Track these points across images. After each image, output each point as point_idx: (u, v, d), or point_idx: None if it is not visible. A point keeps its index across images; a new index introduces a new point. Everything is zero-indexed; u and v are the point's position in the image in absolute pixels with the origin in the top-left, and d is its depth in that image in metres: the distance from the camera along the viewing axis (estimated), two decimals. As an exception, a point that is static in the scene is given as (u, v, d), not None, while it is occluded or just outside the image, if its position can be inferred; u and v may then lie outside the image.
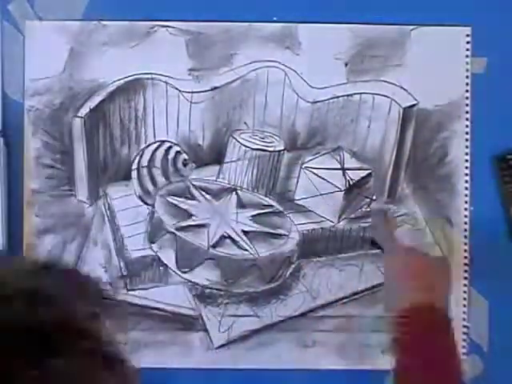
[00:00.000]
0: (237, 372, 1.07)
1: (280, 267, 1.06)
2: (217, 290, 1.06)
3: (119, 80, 1.06)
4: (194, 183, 1.08)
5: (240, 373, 1.07)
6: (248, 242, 1.05)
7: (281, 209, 1.08)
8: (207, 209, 1.07)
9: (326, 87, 1.07)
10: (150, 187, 1.08)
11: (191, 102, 1.07)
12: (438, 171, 1.08)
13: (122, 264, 1.07)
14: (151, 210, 1.06)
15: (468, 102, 1.07)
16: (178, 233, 1.04)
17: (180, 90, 1.06)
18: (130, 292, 1.07)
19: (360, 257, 1.09)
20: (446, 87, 1.07)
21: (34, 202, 1.06)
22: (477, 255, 1.07)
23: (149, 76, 1.06)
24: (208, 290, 1.06)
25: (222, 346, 1.07)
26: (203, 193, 1.08)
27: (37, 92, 1.06)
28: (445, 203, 1.08)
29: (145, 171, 1.08)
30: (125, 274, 1.07)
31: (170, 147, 1.08)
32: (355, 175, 1.07)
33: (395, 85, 1.07)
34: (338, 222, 1.08)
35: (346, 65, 1.07)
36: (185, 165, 1.08)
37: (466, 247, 1.08)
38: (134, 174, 1.08)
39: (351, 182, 1.07)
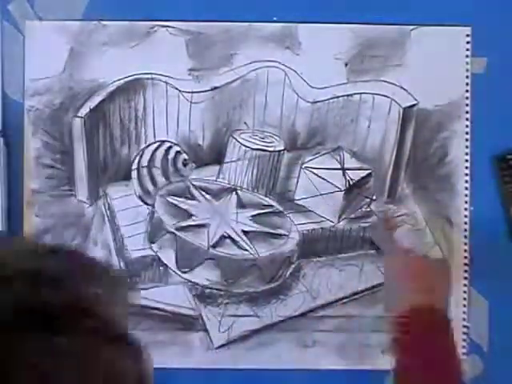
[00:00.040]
0: (237, 372, 1.07)
1: (280, 267, 1.06)
2: (217, 289, 1.06)
3: (119, 80, 1.06)
4: (194, 183, 1.08)
5: (240, 373, 1.07)
6: (248, 241, 1.05)
7: (281, 209, 1.08)
8: (207, 209, 1.07)
9: (325, 87, 1.07)
10: (150, 187, 1.08)
11: (191, 102, 1.07)
12: (437, 171, 1.08)
13: (122, 264, 1.07)
14: (151, 209, 1.06)
15: (468, 102, 1.07)
16: (177, 233, 1.04)
17: (180, 90, 1.06)
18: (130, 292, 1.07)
19: (360, 257, 1.09)
20: (446, 87, 1.07)
21: (34, 202, 1.06)
22: (477, 255, 1.07)
23: (149, 76, 1.06)
24: (208, 290, 1.06)
25: (222, 345, 1.07)
26: (203, 193, 1.08)
27: (37, 92, 1.06)
28: (445, 203, 1.08)
29: (145, 171, 1.08)
30: (125, 274, 1.07)
31: (169, 147, 1.08)
32: (355, 175, 1.07)
33: (395, 85, 1.07)
34: (338, 221, 1.08)
35: (346, 65, 1.07)
36: (185, 165, 1.08)
37: (466, 247, 1.08)
38: (134, 174, 1.08)
39: (351, 182, 1.07)
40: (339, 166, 1.07)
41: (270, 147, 1.08)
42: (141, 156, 1.08)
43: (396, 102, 1.07)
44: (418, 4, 1.07)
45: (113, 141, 1.07)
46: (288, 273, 1.08)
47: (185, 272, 1.05)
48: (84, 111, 1.06)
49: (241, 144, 1.07)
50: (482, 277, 1.07)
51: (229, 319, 1.07)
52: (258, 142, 1.08)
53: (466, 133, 1.08)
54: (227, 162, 1.08)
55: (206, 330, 1.07)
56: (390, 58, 1.07)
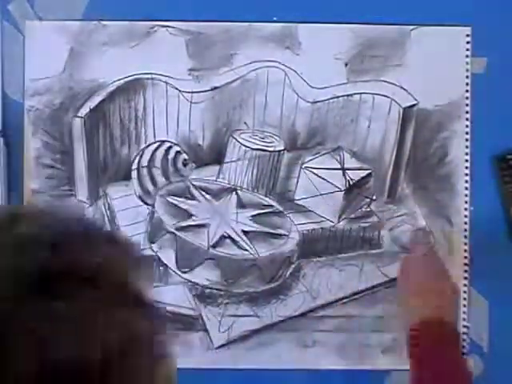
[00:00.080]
0: (237, 372, 1.07)
1: (280, 267, 1.06)
2: (217, 289, 1.06)
3: (119, 80, 1.06)
4: (194, 183, 1.08)
5: (240, 373, 1.07)
6: (248, 242, 1.05)
7: (281, 209, 1.08)
8: (207, 209, 1.07)
9: (326, 87, 1.07)
10: (150, 187, 1.08)
11: (191, 102, 1.07)
12: (438, 171, 1.08)
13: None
14: (151, 210, 1.06)
15: (468, 102, 1.07)
16: (178, 233, 1.04)
17: (180, 90, 1.06)
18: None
19: (360, 257, 1.09)
20: (446, 87, 1.07)
21: (34, 202, 1.06)
22: (477, 255, 1.07)
23: (149, 76, 1.06)
24: (208, 290, 1.06)
25: (222, 345, 1.07)
26: (203, 193, 1.08)
27: (37, 92, 1.06)
28: (445, 203, 1.08)
29: (145, 171, 1.08)
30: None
31: (170, 147, 1.08)
32: (355, 175, 1.07)
33: (395, 85, 1.07)
34: (338, 221, 1.08)
35: (346, 65, 1.07)
36: (185, 165, 1.08)
37: (466, 247, 1.08)
38: (134, 174, 1.08)
39: (351, 182, 1.07)
40: (339, 166, 1.07)
41: (270, 147, 1.08)
42: (141, 156, 1.08)
43: (396, 102, 1.07)
44: (417, 4, 1.07)
45: (113, 141, 1.07)
46: (288, 273, 1.08)
47: (185, 272, 1.05)
48: (84, 111, 1.06)
49: (241, 144, 1.07)
50: (482, 277, 1.07)
51: (229, 319, 1.07)
52: (258, 142, 1.08)
53: (466, 133, 1.08)
54: (227, 162, 1.08)
55: (206, 330, 1.07)
56: (390, 58, 1.07)
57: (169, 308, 1.06)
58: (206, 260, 1.04)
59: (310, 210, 1.08)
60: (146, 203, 1.07)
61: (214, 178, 1.08)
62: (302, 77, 1.07)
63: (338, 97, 1.07)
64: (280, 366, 1.07)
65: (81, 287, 0.46)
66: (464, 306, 1.07)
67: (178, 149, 1.08)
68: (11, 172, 1.05)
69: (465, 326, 1.07)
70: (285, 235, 1.07)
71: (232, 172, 1.08)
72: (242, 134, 1.08)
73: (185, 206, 1.06)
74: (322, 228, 1.08)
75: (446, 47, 1.07)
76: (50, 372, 0.43)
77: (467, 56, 1.07)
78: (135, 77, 1.06)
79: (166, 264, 1.06)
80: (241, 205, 1.07)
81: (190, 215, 1.06)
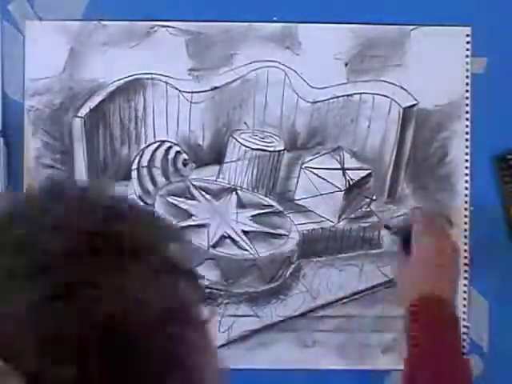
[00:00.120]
0: (237, 372, 1.07)
1: (280, 267, 1.06)
2: (217, 289, 1.06)
3: (119, 80, 1.06)
4: (194, 183, 1.08)
5: (240, 373, 1.07)
6: (248, 241, 1.05)
7: (281, 209, 1.08)
8: (207, 209, 1.07)
9: (326, 87, 1.07)
10: (150, 187, 1.08)
11: (191, 102, 1.07)
12: (437, 171, 1.08)
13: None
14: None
15: (468, 102, 1.07)
16: (178, 233, 1.04)
17: (180, 90, 1.06)
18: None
19: (360, 257, 1.09)
20: (446, 87, 1.07)
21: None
22: (477, 255, 1.07)
23: (149, 76, 1.06)
24: (208, 290, 1.06)
25: (222, 345, 1.07)
26: (203, 193, 1.08)
27: (37, 92, 1.06)
28: (445, 203, 1.08)
29: (145, 171, 1.08)
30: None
31: (170, 147, 1.08)
32: (355, 175, 1.07)
33: (395, 85, 1.07)
34: (338, 221, 1.08)
35: (346, 65, 1.07)
36: (185, 165, 1.08)
37: (466, 247, 1.08)
38: (134, 174, 1.08)
39: (351, 182, 1.07)
40: (339, 166, 1.07)
41: (270, 147, 1.08)
42: (141, 156, 1.08)
43: (396, 102, 1.07)
44: (417, 4, 1.07)
45: (113, 141, 1.07)
46: (288, 273, 1.08)
47: (185, 272, 1.05)
48: (84, 111, 1.06)
49: (241, 144, 1.07)
50: (481, 277, 1.07)
51: (229, 319, 1.07)
52: (258, 142, 1.08)
53: (466, 133, 1.08)
54: (227, 162, 1.08)
55: (205, 330, 1.07)
56: (390, 58, 1.07)
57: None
58: (206, 260, 1.04)
59: (310, 210, 1.08)
60: (146, 203, 1.07)
61: (214, 178, 1.08)
62: (302, 77, 1.07)
63: (338, 97, 1.07)
64: (280, 366, 1.07)
65: (147, 255, 0.47)
66: (464, 306, 1.07)
67: (177, 149, 1.08)
68: (11, 172, 1.05)
69: (465, 326, 1.07)
70: (285, 235, 1.07)
71: (232, 172, 1.08)
72: (242, 133, 1.08)
73: (185, 206, 1.06)
74: (321, 228, 1.08)
75: (446, 47, 1.07)
76: (101, 336, 0.43)
77: (467, 56, 1.07)
78: (135, 77, 1.06)
79: (165, 264, 1.06)
80: (241, 205, 1.07)
81: (190, 215, 1.06)
